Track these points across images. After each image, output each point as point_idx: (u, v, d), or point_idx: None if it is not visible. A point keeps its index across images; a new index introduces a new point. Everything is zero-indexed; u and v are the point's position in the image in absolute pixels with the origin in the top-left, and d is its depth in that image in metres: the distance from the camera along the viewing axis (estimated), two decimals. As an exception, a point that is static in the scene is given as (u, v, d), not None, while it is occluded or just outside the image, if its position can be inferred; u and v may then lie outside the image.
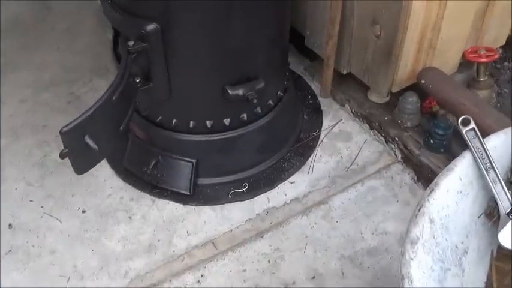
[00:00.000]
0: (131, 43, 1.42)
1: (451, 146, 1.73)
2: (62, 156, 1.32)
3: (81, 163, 1.39)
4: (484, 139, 1.02)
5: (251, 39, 1.52)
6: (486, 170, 0.98)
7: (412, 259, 0.87)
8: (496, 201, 0.97)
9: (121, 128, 1.45)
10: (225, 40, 1.49)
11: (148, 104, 1.67)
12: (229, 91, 1.54)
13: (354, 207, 1.69)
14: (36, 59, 2.20)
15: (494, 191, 0.97)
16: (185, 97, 1.60)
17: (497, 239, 0.96)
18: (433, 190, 0.95)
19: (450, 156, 1.71)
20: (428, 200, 0.93)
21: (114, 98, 1.37)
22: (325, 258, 1.58)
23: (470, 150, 1.01)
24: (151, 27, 1.41)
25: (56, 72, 2.14)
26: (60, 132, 1.27)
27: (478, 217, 1.01)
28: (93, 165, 1.43)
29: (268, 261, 1.57)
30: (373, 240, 1.61)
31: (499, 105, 1.95)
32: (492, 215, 1.00)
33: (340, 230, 1.64)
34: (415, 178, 1.75)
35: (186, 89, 1.57)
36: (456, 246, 0.96)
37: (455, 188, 0.97)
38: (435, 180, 0.97)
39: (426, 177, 1.72)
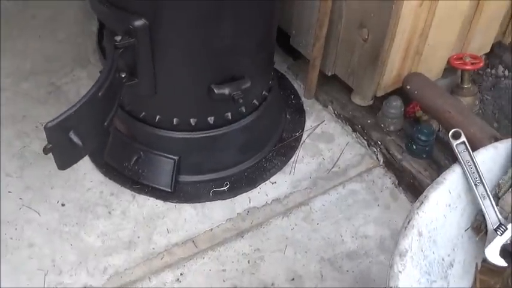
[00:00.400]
0: (118, 38, 1.40)
1: (433, 152, 1.74)
2: (46, 151, 1.30)
3: (65, 158, 1.37)
4: (474, 153, 1.02)
5: (239, 40, 1.51)
6: (475, 185, 0.99)
7: (400, 272, 0.88)
8: (483, 216, 0.98)
9: (105, 123, 1.44)
10: (213, 39, 1.48)
11: (132, 99, 1.66)
12: (215, 90, 1.53)
13: (334, 209, 1.70)
14: (17, 48, 2.16)
15: (482, 206, 0.98)
16: (170, 94, 1.58)
17: (483, 252, 0.97)
18: (422, 203, 0.95)
19: (432, 162, 1.72)
20: (417, 212, 0.94)
21: (100, 94, 1.36)
22: (305, 260, 1.58)
23: (460, 163, 1.01)
24: (139, 22, 1.39)
25: (37, 62, 2.11)
26: (45, 128, 1.25)
27: (465, 230, 1.02)
28: (76, 161, 1.41)
29: (248, 262, 1.57)
30: (353, 243, 1.62)
31: (480, 111, 1.97)
32: (479, 229, 1.01)
33: (321, 233, 1.64)
34: (396, 182, 1.77)
35: (171, 86, 1.56)
36: (443, 259, 0.97)
37: (444, 201, 0.98)
38: (424, 193, 0.97)
39: (407, 182, 1.73)
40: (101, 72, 1.41)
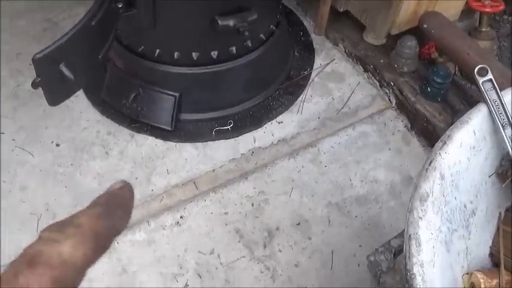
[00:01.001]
0: (114, -36, 1.29)
1: (448, 96, 1.65)
2: (35, 85, 1.21)
3: (55, 94, 1.28)
4: (502, 92, 0.93)
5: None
6: (503, 126, 0.89)
7: (420, 218, 0.79)
8: (510, 161, 0.89)
9: (100, 56, 1.34)
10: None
11: (130, 32, 1.55)
12: (219, 21, 1.42)
13: (343, 152, 1.61)
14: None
15: (510, 150, 0.89)
16: (170, 26, 1.48)
17: (507, 201, 0.89)
18: (445, 143, 0.86)
19: (447, 106, 1.64)
20: (439, 153, 0.85)
21: (93, 23, 1.26)
22: (312, 204, 1.50)
23: (486, 103, 0.91)
24: None
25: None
26: (33, 59, 1.16)
27: (489, 176, 0.93)
28: (68, 97, 1.32)
29: (252, 205, 1.50)
30: (363, 188, 1.54)
31: (498, 58, 1.87)
32: (505, 175, 0.92)
33: (329, 176, 1.56)
34: (409, 126, 1.67)
35: (172, 17, 1.45)
36: (465, 206, 0.89)
37: (469, 142, 0.88)
38: (447, 133, 0.88)
39: (420, 126, 1.64)
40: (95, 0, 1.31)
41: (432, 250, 0.79)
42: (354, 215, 1.49)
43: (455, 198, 0.87)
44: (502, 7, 1.76)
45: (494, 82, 0.94)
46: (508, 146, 0.89)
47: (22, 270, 0.26)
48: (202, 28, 1.46)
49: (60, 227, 0.29)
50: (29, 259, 0.27)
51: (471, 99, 1.64)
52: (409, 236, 0.78)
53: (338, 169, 1.57)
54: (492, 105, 0.92)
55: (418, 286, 0.74)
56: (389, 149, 1.63)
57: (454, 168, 0.86)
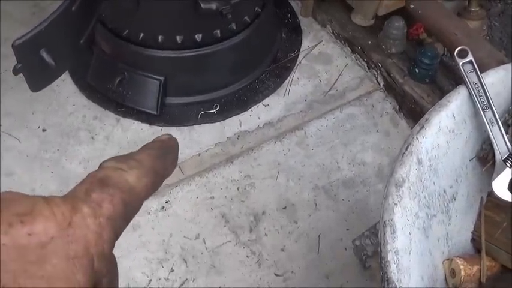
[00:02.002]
0: None
1: (437, 77, 1.63)
2: (16, 72, 1.20)
3: (37, 80, 1.27)
4: (482, 74, 0.91)
5: None
6: (483, 109, 0.88)
7: (396, 204, 0.78)
8: (491, 145, 0.88)
9: (81, 41, 1.32)
10: None
11: (114, 16, 1.54)
12: (201, 4, 1.40)
13: (330, 134, 1.60)
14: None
15: (490, 134, 0.87)
16: (154, 9, 1.46)
17: (489, 185, 0.88)
18: (423, 127, 0.85)
19: (435, 87, 1.62)
20: (417, 138, 0.84)
21: (73, 8, 1.24)
22: (298, 188, 1.49)
23: (466, 85, 0.90)
24: None
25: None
26: (13, 45, 1.15)
27: (470, 160, 0.92)
28: (50, 82, 1.31)
29: (238, 189, 1.49)
30: (350, 171, 1.53)
31: (488, 38, 1.85)
32: (486, 159, 0.91)
33: (315, 159, 1.55)
34: (397, 108, 1.66)
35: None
36: (444, 191, 0.88)
37: (448, 126, 0.87)
38: (425, 116, 0.87)
39: (409, 108, 1.62)
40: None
41: (408, 237, 0.78)
42: (341, 199, 1.48)
43: (434, 183, 0.86)
44: None
45: (475, 64, 0.92)
46: (488, 129, 0.88)
47: (94, 188, 0.28)
48: (186, 11, 1.44)
49: (123, 159, 0.31)
50: (99, 180, 0.29)
51: (460, 80, 1.62)
52: (384, 222, 0.77)
53: (325, 152, 1.56)
54: (472, 88, 0.91)
55: (392, 273, 0.73)
56: (377, 131, 1.61)
57: (432, 153, 0.85)
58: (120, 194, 0.29)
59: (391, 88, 1.67)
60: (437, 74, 1.63)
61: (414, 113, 1.61)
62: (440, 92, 1.60)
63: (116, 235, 0.29)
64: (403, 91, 1.63)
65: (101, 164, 0.33)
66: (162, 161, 0.34)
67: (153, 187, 0.32)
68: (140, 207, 0.31)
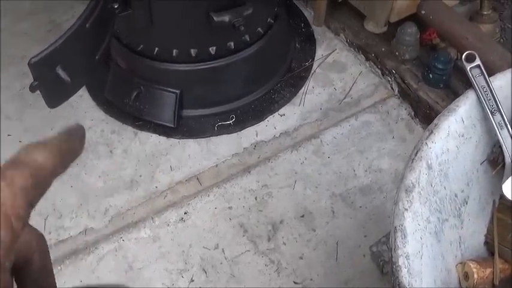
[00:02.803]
0: (108, -35, 1.30)
1: (451, 82, 1.63)
2: (32, 89, 1.23)
3: (54, 96, 1.30)
4: (490, 78, 0.92)
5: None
6: (491, 113, 0.89)
7: (406, 209, 0.79)
8: (501, 148, 0.89)
9: (97, 57, 1.35)
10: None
11: (129, 31, 1.56)
12: (214, 18, 1.42)
13: (346, 142, 1.61)
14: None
15: (499, 137, 0.88)
16: (167, 24, 1.48)
17: (500, 188, 0.88)
18: (432, 132, 0.86)
19: (450, 92, 1.62)
20: (426, 143, 0.84)
21: (87, 25, 1.27)
22: (316, 196, 1.50)
23: (475, 89, 0.91)
24: None
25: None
26: (29, 64, 1.18)
27: (481, 164, 0.92)
28: (67, 98, 1.34)
29: (255, 198, 1.50)
30: (367, 178, 1.54)
31: (501, 40, 1.85)
32: (496, 162, 0.91)
33: (332, 167, 1.56)
34: (412, 113, 1.66)
35: (168, 15, 1.46)
36: (455, 195, 0.88)
37: (457, 130, 0.88)
38: (435, 122, 0.88)
39: (424, 113, 1.63)
40: (89, 2, 1.32)
41: (420, 241, 0.79)
42: (358, 206, 1.49)
43: (444, 187, 0.86)
44: None
45: (482, 68, 0.93)
46: (498, 133, 0.89)
47: (8, 166, 0.34)
48: (199, 24, 1.46)
49: (34, 143, 0.36)
50: (12, 160, 0.34)
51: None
52: (395, 228, 0.78)
53: (341, 160, 1.57)
54: (481, 92, 0.91)
55: (403, 278, 0.74)
56: (393, 137, 1.62)
57: (442, 157, 0.86)
58: (29, 170, 0.34)
59: (405, 94, 1.68)
60: (451, 78, 1.63)
61: (429, 119, 1.60)
62: (455, 97, 1.59)
63: (31, 203, 0.34)
64: (418, 97, 1.63)
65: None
66: (68, 143, 0.39)
67: (61, 165, 0.37)
68: (51, 181, 0.36)
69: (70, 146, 0.40)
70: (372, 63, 1.75)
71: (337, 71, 1.77)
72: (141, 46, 1.56)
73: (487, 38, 1.59)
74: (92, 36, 1.30)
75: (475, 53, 0.94)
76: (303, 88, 1.72)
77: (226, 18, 1.43)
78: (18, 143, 1.61)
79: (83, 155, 1.55)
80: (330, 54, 1.81)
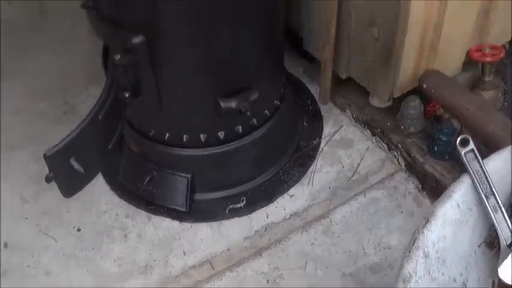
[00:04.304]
0: (117, 57, 1.35)
1: (456, 153, 1.65)
2: (48, 180, 1.28)
3: (69, 186, 1.35)
4: (485, 160, 0.95)
5: (241, 48, 1.45)
6: (486, 196, 0.91)
7: (405, 299, 0.81)
8: (496, 231, 0.91)
9: (109, 146, 1.40)
10: (214, 50, 1.42)
11: (140, 117, 1.62)
12: (221, 104, 1.47)
13: (355, 220, 1.63)
14: (30, 66, 2.14)
15: (494, 220, 0.90)
16: (177, 110, 1.53)
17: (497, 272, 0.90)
18: (428, 221, 0.88)
19: (455, 163, 1.63)
20: (423, 232, 0.87)
21: (100, 116, 1.32)
22: (327, 277, 1.52)
23: (469, 174, 0.94)
24: (137, 39, 1.33)
25: (51, 80, 2.08)
26: (44, 156, 1.23)
27: (478, 246, 0.94)
28: (81, 188, 1.38)
29: (267, 281, 1.52)
30: (376, 255, 1.55)
31: (506, 103, 1.86)
32: (493, 244, 0.93)
33: (342, 246, 1.57)
34: (420, 187, 1.68)
35: (176, 102, 1.51)
36: (454, 280, 0.90)
37: (453, 216, 0.90)
38: (431, 209, 0.90)
39: (431, 186, 1.65)
40: (100, 94, 1.38)
41: (420, 329, 0.80)
42: (369, 284, 1.49)
43: (442, 273, 0.88)
44: (502, 54, 1.73)
45: (476, 152, 0.96)
46: (492, 216, 0.91)
47: None
48: (207, 110, 1.50)
49: None
50: None
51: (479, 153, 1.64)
52: (394, 318, 0.80)
53: (351, 238, 1.59)
54: (475, 176, 0.94)
55: None
56: (401, 212, 1.64)
57: (439, 245, 0.88)
58: None
59: (412, 168, 1.70)
60: (456, 149, 1.64)
61: (436, 191, 1.62)
62: (461, 168, 1.61)
63: None
64: (424, 170, 1.66)
65: None
66: None
67: None
68: None
69: None
70: (378, 138, 1.79)
71: (345, 147, 1.81)
72: (153, 132, 1.61)
73: (487, 108, 1.60)
74: (105, 126, 1.35)
75: (469, 138, 0.97)
76: (312, 167, 1.75)
77: (233, 104, 1.47)
78: (35, 226, 1.66)
79: (99, 239, 1.59)
80: (337, 131, 1.84)
